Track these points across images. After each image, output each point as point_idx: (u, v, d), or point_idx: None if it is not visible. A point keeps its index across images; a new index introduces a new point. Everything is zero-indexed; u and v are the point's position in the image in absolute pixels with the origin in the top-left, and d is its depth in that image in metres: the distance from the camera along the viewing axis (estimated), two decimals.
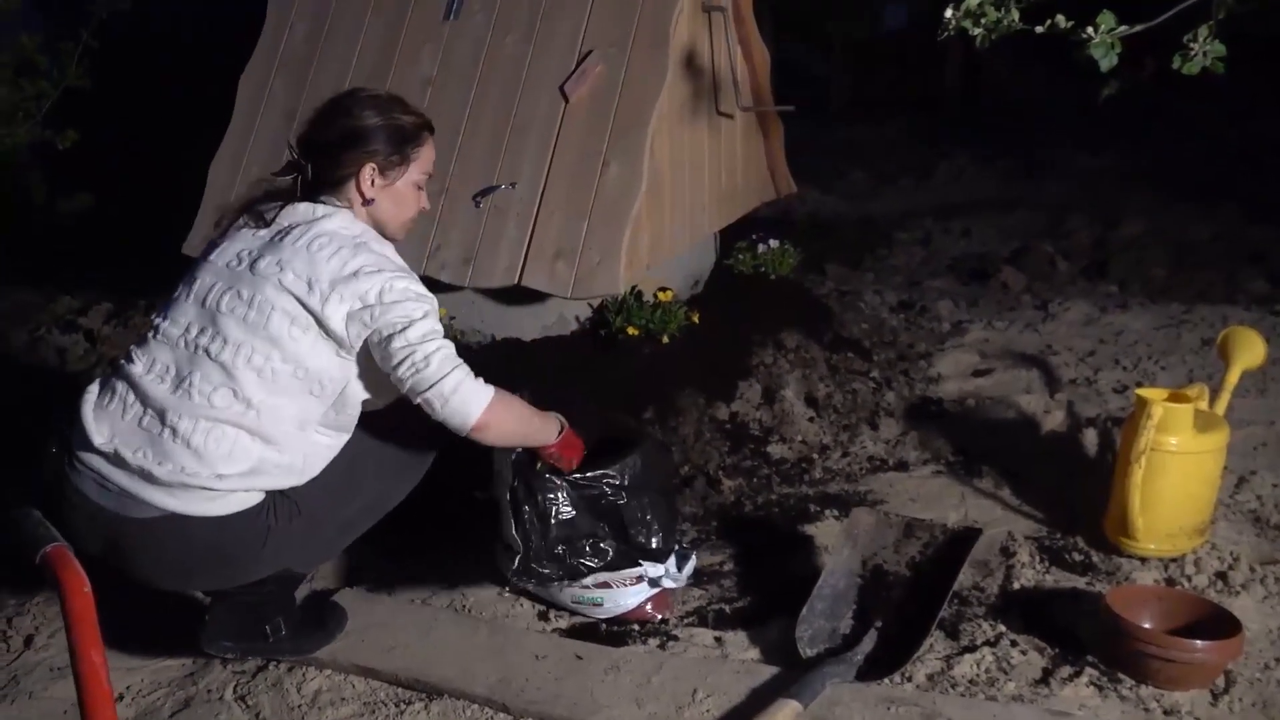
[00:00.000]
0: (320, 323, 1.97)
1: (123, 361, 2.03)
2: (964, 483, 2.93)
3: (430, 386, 1.98)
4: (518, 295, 3.17)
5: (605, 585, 2.31)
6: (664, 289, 3.17)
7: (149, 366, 2.00)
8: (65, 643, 2.37)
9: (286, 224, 2.07)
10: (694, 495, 2.84)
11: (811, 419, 3.21)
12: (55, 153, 4.37)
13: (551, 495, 2.25)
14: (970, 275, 5.08)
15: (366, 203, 2.09)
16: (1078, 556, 2.53)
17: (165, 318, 2.05)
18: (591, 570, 2.25)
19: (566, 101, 3.06)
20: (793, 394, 3.23)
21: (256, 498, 2.01)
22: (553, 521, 2.24)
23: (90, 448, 1.96)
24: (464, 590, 2.47)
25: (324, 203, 2.09)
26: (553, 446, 2.21)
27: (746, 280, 3.60)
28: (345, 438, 2.12)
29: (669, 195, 3.23)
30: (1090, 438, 3.13)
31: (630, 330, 3.08)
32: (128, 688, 2.22)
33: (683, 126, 3.28)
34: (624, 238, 2.90)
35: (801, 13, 10.80)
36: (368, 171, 2.06)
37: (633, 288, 3.18)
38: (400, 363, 1.99)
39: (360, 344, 2.02)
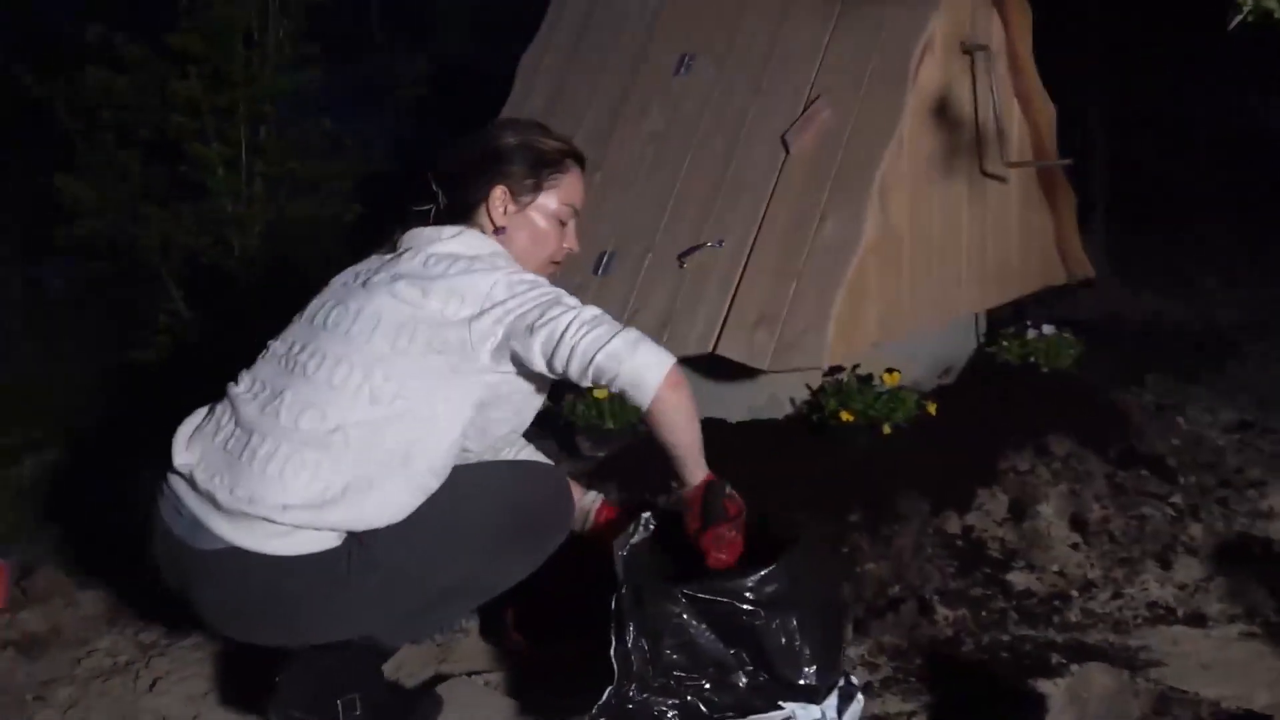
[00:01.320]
0: (437, 327, 1.74)
1: (231, 383, 1.90)
2: None
3: (610, 340, 1.69)
4: (724, 370, 2.80)
5: None
6: (891, 370, 2.66)
7: (250, 385, 1.86)
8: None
9: (409, 245, 1.90)
10: (899, 623, 2.27)
11: (1075, 545, 2.52)
12: (346, 224, 4.60)
13: (665, 608, 1.80)
14: None
15: (498, 231, 1.91)
16: None
17: (278, 338, 1.91)
18: (716, 710, 1.77)
19: (788, 153, 2.70)
20: (1052, 511, 2.57)
21: (330, 541, 1.75)
22: (665, 642, 1.78)
23: (173, 469, 1.83)
24: (590, 697, 2.07)
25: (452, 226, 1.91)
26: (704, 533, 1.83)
27: (1011, 372, 2.97)
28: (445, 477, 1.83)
29: (908, 262, 2.74)
30: None
31: (844, 415, 2.59)
32: None
33: (931, 184, 2.80)
34: (835, 301, 2.45)
35: (1151, 106, 9.80)
36: (498, 194, 1.89)
37: (854, 366, 2.70)
38: (565, 330, 1.70)
39: (487, 351, 1.76)
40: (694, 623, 1.78)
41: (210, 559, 1.75)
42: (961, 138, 2.85)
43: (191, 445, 1.84)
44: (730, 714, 1.76)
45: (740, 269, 2.65)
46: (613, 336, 1.70)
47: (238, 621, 1.82)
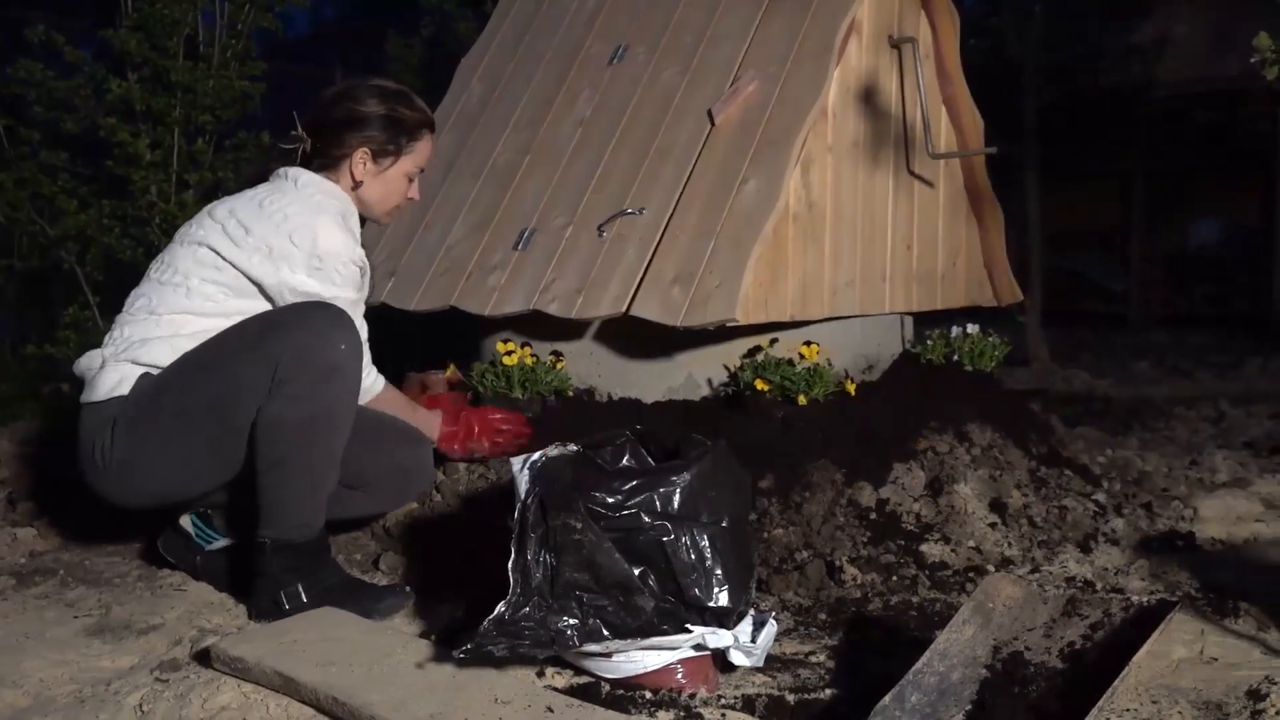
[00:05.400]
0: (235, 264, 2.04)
1: None
2: (1208, 620, 2.01)
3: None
4: (642, 349, 2.73)
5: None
6: (809, 343, 2.58)
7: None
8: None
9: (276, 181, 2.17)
10: (805, 582, 2.14)
11: (994, 525, 2.41)
12: None
13: (567, 521, 1.67)
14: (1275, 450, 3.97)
15: (355, 185, 2.19)
16: None
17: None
18: (618, 633, 1.62)
19: (712, 124, 2.68)
20: (971, 492, 2.47)
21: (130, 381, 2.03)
22: (567, 558, 1.65)
23: None
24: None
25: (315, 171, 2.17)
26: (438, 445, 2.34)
27: (935, 371, 2.90)
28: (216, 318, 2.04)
29: (830, 241, 2.71)
30: None
31: (760, 384, 2.50)
32: (40, 679, 1.82)
33: (856, 169, 2.79)
34: (750, 255, 2.39)
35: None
36: (360, 155, 2.17)
37: (772, 340, 2.62)
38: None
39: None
40: (596, 538, 1.66)
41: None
42: (888, 129, 2.85)
43: None
44: (634, 637, 1.61)
45: (659, 233, 2.59)
46: None
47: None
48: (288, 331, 1.92)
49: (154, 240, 4.18)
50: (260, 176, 2.19)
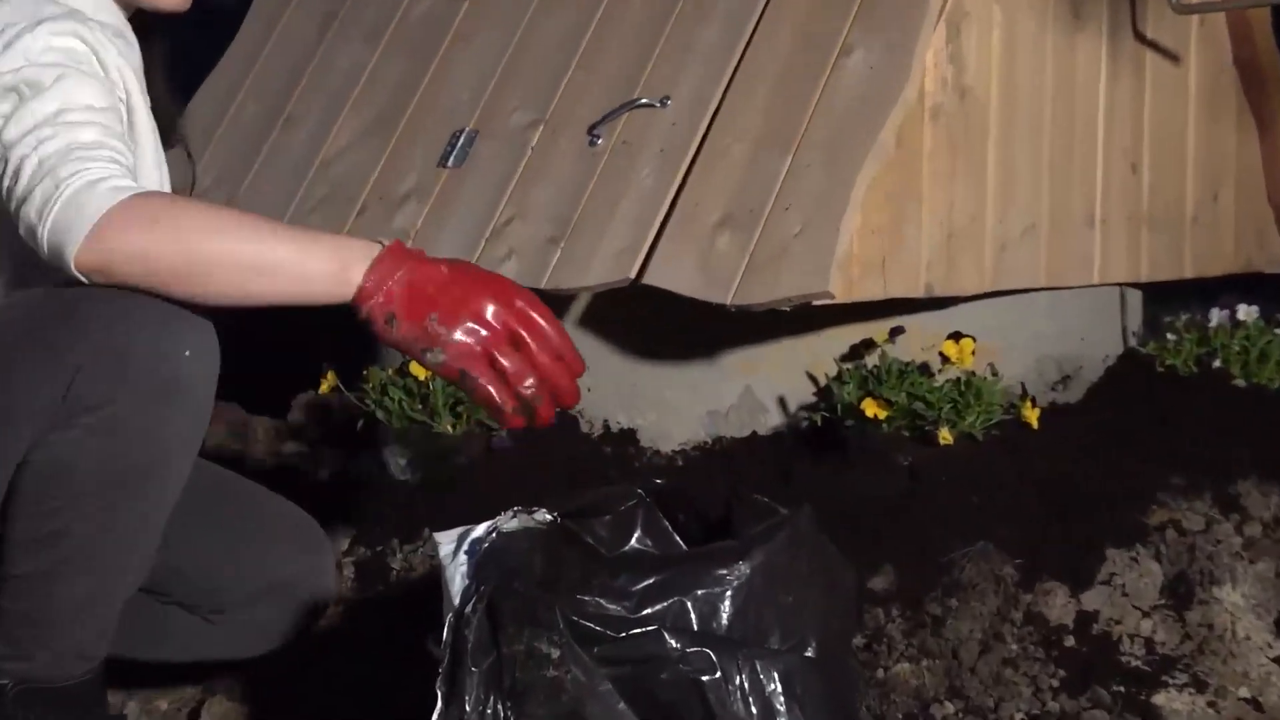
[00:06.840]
0: None
1: None
2: None
3: (26, 197, 1.81)
4: (664, 345, 2.84)
5: None
6: (960, 335, 2.65)
7: None
8: None
9: None
10: None
11: None
12: None
13: (536, 648, 1.72)
14: None
15: None
16: None
17: None
18: None
19: None
20: (1242, 599, 2.54)
21: None
22: (534, 710, 1.68)
23: None
24: None
25: None
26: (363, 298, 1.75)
27: (1179, 385, 2.98)
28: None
29: (996, 156, 2.78)
30: None
31: (872, 409, 2.57)
32: None
33: (1040, 31, 2.86)
34: (855, 186, 2.45)
35: None
36: None
37: (894, 330, 2.69)
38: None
39: None
40: (585, 675, 1.70)
41: None
42: None
43: None
44: None
45: (695, 142, 2.67)
46: (27, 197, 1.80)
47: None
48: (97, 321, 1.87)
49: None
50: None
